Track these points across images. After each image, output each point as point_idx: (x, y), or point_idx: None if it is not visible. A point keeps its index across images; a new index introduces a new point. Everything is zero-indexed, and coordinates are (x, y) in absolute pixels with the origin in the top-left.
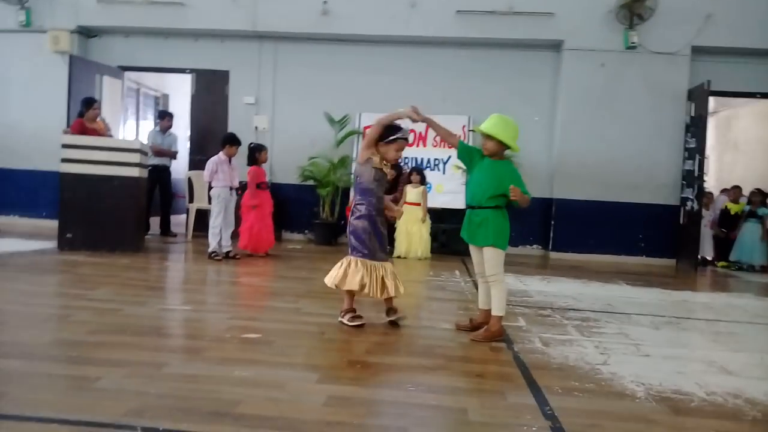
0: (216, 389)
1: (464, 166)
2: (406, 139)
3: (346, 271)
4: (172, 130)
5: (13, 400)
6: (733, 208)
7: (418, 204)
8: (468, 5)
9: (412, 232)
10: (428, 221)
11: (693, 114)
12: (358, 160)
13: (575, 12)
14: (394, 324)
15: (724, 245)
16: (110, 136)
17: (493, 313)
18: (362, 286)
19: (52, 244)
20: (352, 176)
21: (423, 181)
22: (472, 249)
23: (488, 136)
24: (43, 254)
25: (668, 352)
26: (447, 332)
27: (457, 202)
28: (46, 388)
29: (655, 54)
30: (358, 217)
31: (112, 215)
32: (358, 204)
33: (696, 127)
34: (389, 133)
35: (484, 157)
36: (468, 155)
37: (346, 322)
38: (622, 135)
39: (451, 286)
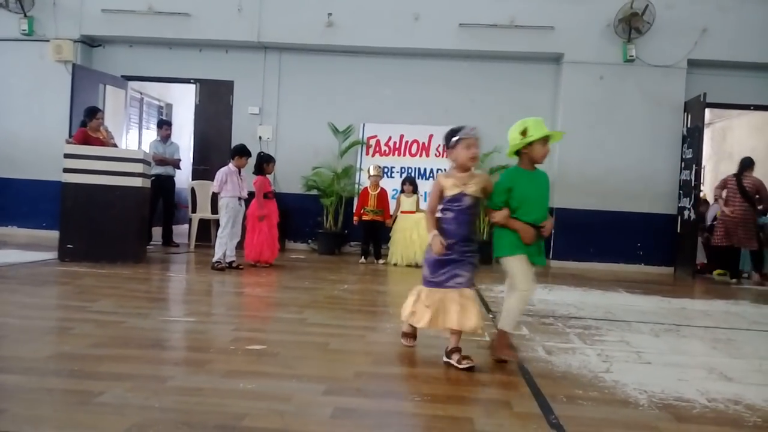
0: (221, 402)
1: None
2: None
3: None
4: (173, 139)
5: (12, 416)
6: None
7: (413, 212)
8: (470, 18)
9: (408, 240)
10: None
11: (689, 125)
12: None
13: (575, 26)
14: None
15: (719, 253)
16: (114, 145)
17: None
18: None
19: (52, 255)
20: None
21: (415, 190)
22: (526, 262)
23: (546, 140)
24: (43, 265)
25: (669, 360)
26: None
27: None
28: (47, 403)
29: (653, 67)
30: None
31: (114, 226)
32: None
33: (692, 138)
34: (450, 138)
35: (515, 173)
36: (507, 190)
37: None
38: (620, 146)
39: None
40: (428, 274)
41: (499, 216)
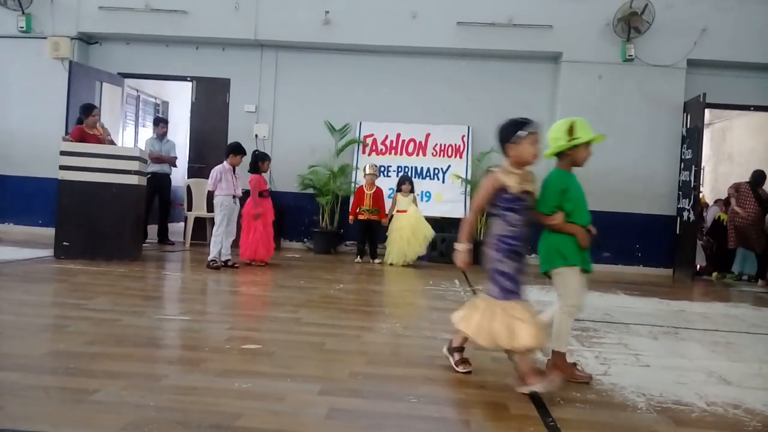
0: (216, 402)
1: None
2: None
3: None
4: (169, 136)
5: (8, 413)
6: (725, 219)
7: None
8: (468, 17)
9: (404, 239)
10: (428, 226)
11: (689, 126)
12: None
13: (573, 25)
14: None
15: (718, 255)
16: (111, 142)
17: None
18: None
19: (48, 252)
20: None
21: (412, 189)
22: (580, 274)
23: (590, 143)
24: (39, 263)
25: (668, 363)
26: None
27: (457, 211)
28: (43, 401)
29: (652, 66)
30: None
31: (110, 223)
32: None
33: (692, 139)
34: (514, 131)
35: (564, 174)
36: (562, 192)
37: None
38: (619, 146)
39: (450, 296)
40: (505, 285)
41: (559, 219)
